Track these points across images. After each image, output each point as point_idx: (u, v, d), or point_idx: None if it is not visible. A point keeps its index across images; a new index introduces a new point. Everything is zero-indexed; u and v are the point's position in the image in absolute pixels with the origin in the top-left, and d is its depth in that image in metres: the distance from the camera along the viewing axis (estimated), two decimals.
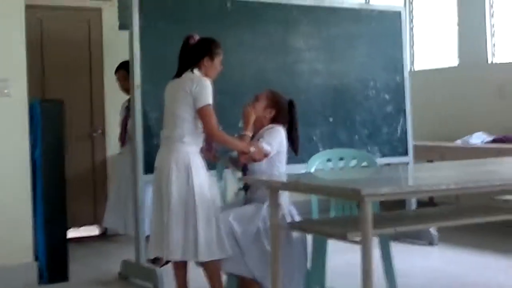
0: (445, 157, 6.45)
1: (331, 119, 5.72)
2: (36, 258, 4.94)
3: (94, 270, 5.34)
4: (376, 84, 5.97)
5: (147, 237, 4.44)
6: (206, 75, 4.20)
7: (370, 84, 5.93)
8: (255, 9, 5.40)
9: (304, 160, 5.35)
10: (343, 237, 3.32)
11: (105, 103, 6.79)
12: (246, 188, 4.35)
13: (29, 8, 5.10)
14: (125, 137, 5.44)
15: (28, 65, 5.11)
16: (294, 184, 3.69)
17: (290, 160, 5.30)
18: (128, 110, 5.31)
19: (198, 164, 4.13)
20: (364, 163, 4.63)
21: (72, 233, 6.55)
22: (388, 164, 6.54)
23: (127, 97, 5.34)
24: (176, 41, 4.39)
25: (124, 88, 5.46)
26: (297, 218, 4.15)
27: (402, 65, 6.12)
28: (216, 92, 4.30)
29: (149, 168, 4.62)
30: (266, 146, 4.18)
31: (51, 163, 4.96)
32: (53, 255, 4.94)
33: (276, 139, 4.25)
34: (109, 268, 5.30)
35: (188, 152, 4.12)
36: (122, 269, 5.11)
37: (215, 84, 4.24)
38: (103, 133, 6.81)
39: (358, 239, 3.24)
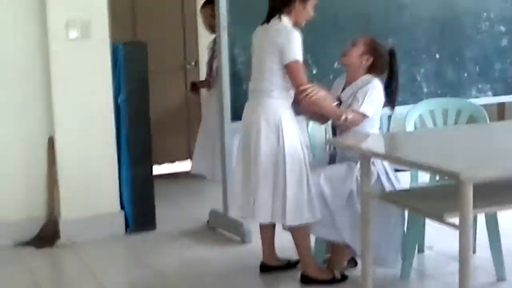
0: None
1: (437, 56, 5.20)
2: (122, 206, 4.81)
3: (183, 216, 5.17)
4: (490, 15, 5.35)
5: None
6: (296, 21, 3.81)
7: (483, 15, 5.33)
8: None
9: (407, 102, 4.99)
10: (439, 219, 2.94)
11: (198, 35, 6.46)
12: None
13: None
14: (211, 79, 5.12)
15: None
16: (386, 156, 3.29)
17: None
18: (213, 51, 4.97)
19: (289, 121, 3.80)
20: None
21: (165, 169, 6.48)
22: (503, 104, 6.05)
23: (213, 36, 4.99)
24: None
25: (209, 26, 5.10)
26: (396, 184, 3.77)
27: None
28: (313, 32, 3.93)
29: (236, 115, 4.33)
30: (364, 109, 3.79)
31: (136, 109, 4.74)
32: (139, 203, 4.79)
33: (375, 102, 3.85)
34: (198, 213, 5.10)
35: (278, 106, 3.78)
36: (210, 218, 4.91)
37: (309, 22, 3.86)
38: (197, 64, 6.53)
39: (456, 220, 2.87)
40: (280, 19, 3.78)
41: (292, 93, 3.83)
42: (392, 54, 4.00)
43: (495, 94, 5.41)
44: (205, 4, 5.23)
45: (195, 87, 5.53)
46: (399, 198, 3.47)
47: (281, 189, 3.75)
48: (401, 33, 5.03)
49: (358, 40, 3.96)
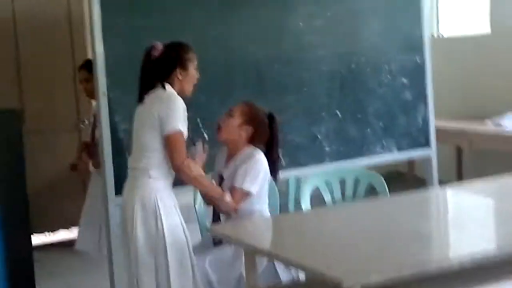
0: (474, 145, 5.65)
1: (338, 113, 4.92)
2: None
3: None
4: (391, 68, 5.11)
5: None
6: (182, 89, 3.48)
7: (384, 68, 5.08)
8: None
9: (308, 163, 4.71)
10: None
11: None
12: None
13: None
14: (93, 149, 4.71)
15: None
16: (269, 253, 2.94)
17: (291, 164, 4.67)
18: (94, 117, 4.57)
19: (168, 203, 3.44)
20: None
21: (58, 237, 6.03)
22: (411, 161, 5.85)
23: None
24: (149, 38, 3.67)
25: (85, 90, 4.70)
26: (284, 275, 3.43)
27: (422, 42, 5.23)
28: (199, 91, 3.66)
29: (121, 188, 3.93)
30: (247, 187, 3.47)
31: (9, 186, 4.29)
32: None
33: (259, 176, 3.55)
34: None
35: (156, 187, 3.42)
36: None
37: (201, 80, 3.59)
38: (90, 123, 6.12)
39: None
40: (164, 89, 3.43)
41: (173, 171, 3.48)
42: (271, 119, 3.71)
43: (400, 149, 5.17)
44: (80, 67, 4.82)
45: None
46: None
47: (164, 278, 3.39)
48: (298, 89, 4.74)
49: (234, 109, 3.65)
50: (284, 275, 3.43)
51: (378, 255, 2.73)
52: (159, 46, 3.48)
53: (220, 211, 3.61)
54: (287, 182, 6.12)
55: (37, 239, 5.89)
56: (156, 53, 3.47)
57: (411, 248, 2.81)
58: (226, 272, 3.47)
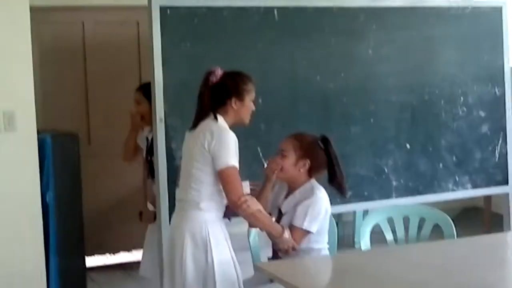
0: None
1: (408, 146, 4.67)
2: None
3: None
4: (468, 99, 4.84)
5: None
6: (237, 120, 3.34)
7: (459, 100, 4.82)
8: (310, 16, 4.39)
9: (373, 197, 4.49)
10: None
11: None
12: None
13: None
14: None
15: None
16: None
17: (355, 198, 4.47)
18: (147, 145, 4.45)
19: (219, 236, 3.30)
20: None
21: (120, 258, 5.98)
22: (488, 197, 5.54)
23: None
24: (210, 65, 3.50)
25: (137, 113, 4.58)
26: None
27: (503, 73, 4.94)
28: (262, 119, 3.58)
29: None
30: (307, 226, 3.32)
31: (66, 208, 4.26)
32: None
33: (319, 215, 3.35)
34: None
35: (206, 221, 3.28)
36: None
37: (260, 111, 3.46)
38: None
39: None
40: (216, 120, 3.29)
41: (224, 203, 3.33)
42: (325, 142, 3.51)
43: (474, 186, 4.87)
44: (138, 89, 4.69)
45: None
46: None
47: None
48: (366, 121, 4.53)
49: (285, 148, 3.46)
50: None
51: None
52: (219, 72, 3.35)
53: (277, 248, 3.43)
54: (353, 214, 5.90)
55: (97, 260, 5.86)
56: (214, 78, 3.34)
57: None
58: None
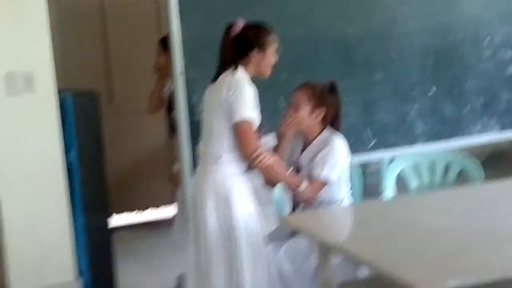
0: None
1: (433, 89, 4.58)
2: (81, 273, 4.32)
3: (151, 281, 4.66)
4: (494, 40, 4.72)
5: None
6: (257, 72, 3.29)
7: (485, 40, 4.70)
8: None
9: (399, 143, 4.44)
10: None
11: None
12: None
13: None
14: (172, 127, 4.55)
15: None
16: (345, 251, 2.69)
17: (379, 145, 4.42)
18: (170, 101, 4.42)
19: (241, 189, 3.27)
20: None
21: (146, 216, 6.01)
22: None
23: None
24: (228, 16, 3.48)
25: (157, 65, 4.59)
26: (362, 270, 3.18)
27: None
28: (283, 69, 3.48)
29: None
30: (326, 176, 3.27)
31: (89, 166, 4.24)
32: (98, 271, 4.29)
33: (338, 164, 3.30)
34: (170, 276, 4.59)
35: (227, 174, 3.25)
36: (177, 286, 4.39)
37: (280, 61, 3.36)
38: None
39: None
40: (236, 72, 3.24)
41: None
42: (334, 87, 3.47)
43: (503, 128, 4.77)
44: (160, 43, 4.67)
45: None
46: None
47: (236, 269, 3.23)
48: (389, 67, 4.44)
49: (297, 100, 3.41)
50: (362, 269, 3.18)
51: (461, 255, 2.45)
52: (240, 23, 3.29)
53: (298, 200, 3.40)
54: (379, 163, 5.83)
55: (125, 218, 5.89)
56: (236, 30, 3.28)
57: (502, 249, 2.49)
58: (301, 264, 3.27)
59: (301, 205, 3.38)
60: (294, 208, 3.51)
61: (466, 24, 4.64)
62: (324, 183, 3.32)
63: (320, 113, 3.39)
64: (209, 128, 3.29)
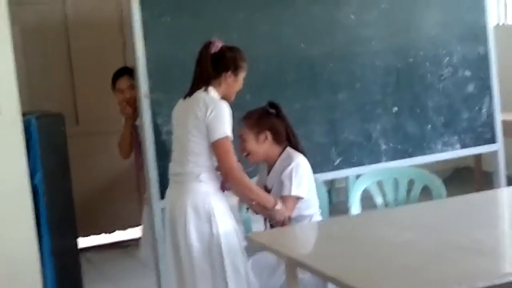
0: None
1: (395, 109, 4.67)
2: None
3: None
4: (453, 60, 4.83)
5: None
6: (226, 94, 3.32)
7: (444, 60, 4.81)
8: None
9: (362, 162, 4.50)
10: None
11: None
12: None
13: None
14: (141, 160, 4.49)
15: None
16: (309, 267, 2.72)
17: (345, 163, 4.49)
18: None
19: (221, 207, 3.30)
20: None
21: (116, 236, 5.99)
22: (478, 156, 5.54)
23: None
24: (191, 36, 3.66)
25: (131, 99, 4.42)
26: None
27: (486, 31, 4.93)
28: (247, 89, 3.51)
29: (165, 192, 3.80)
30: (296, 192, 3.33)
31: (55, 189, 4.24)
32: None
33: (303, 178, 3.35)
34: None
35: (207, 192, 3.28)
36: None
37: (245, 80, 3.42)
38: None
39: None
40: (207, 91, 3.27)
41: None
42: (274, 107, 3.51)
43: (463, 146, 4.87)
44: (117, 76, 4.46)
45: None
46: None
47: (221, 284, 3.26)
48: (351, 87, 4.52)
49: (241, 130, 3.48)
50: (330, 285, 3.22)
51: (425, 269, 2.49)
52: (218, 43, 3.32)
53: (273, 221, 3.42)
54: (345, 180, 5.91)
55: (92, 240, 5.87)
56: (213, 49, 3.30)
57: (466, 262, 2.55)
58: (267, 279, 3.31)
59: (277, 226, 3.40)
60: (270, 225, 3.53)
61: (426, 45, 4.74)
62: (295, 200, 3.36)
63: (266, 138, 3.43)
64: (184, 148, 3.29)
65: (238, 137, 3.45)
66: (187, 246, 3.26)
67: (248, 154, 3.46)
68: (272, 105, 3.50)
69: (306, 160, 3.45)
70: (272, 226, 3.47)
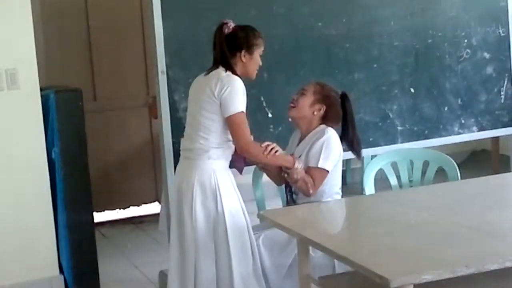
0: None
1: (412, 90, 4.65)
2: (63, 268, 4.35)
3: (134, 276, 4.69)
4: (472, 41, 4.79)
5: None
6: (244, 73, 3.35)
7: (463, 42, 4.77)
8: None
9: (378, 143, 4.50)
10: None
11: None
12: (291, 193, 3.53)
13: None
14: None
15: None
16: (320, 245, 2.73)
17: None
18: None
19: (228, 185, 3.33)
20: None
21: (130, 212, 6.04)
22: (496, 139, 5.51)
23: None
24: (212, 16, 3.64)
25: None
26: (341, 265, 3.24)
27: (507, 13, 4.87)
28: (264, 68, 3.54)
29: None
30: (322, 165, 3.36)
31: (72, 162, 4.27)
32: (81, 267, 4.32)
33: (333, 154, 3.39)
34: (150, 271, 4.64)
35: (214, 170, 3.31)
36: (160, 281, 4.42)
37: (265, 57, 3.44)
38: None
39: None
40: (225, 70, 3.31)
41: (231, 151, 3.36)
42: (344, 98, 3.55)
43: (481, 129, 4.85)
44: None
45: None
46: (339, 282, 2.94)
47: (225, 261, 3.29)
48: (369, 67, 4.50)
49: (307, 88, 3.50)
50: (342, 264, 3.24)
51: (437, 250, 2.51)
52: (231, 24, 3.36)
53: (295, 186, 3.42)
54: (361, 161, 5.89)
55: (107, 215, 5.92)
56: (226, 30, 3.34)
57: (478, 244, 2.55)
58: (278, 255, 3.33)
59: (294, 186, 3.42)
60: (288, 201, 3.55)
61: (445, 25, 4.71)
62: (321, 172, 3.38)
63: (319, 109, 3.47)
64: (196, 124, 3.33)
65: (300, 89, 3.52)
66: (192, 222, 3.29)
67: (293, 107, 3.48)
68: (343, 95, 3.57)
69: (338, 138, 3.47)
70: (294, 201, 3.48)
